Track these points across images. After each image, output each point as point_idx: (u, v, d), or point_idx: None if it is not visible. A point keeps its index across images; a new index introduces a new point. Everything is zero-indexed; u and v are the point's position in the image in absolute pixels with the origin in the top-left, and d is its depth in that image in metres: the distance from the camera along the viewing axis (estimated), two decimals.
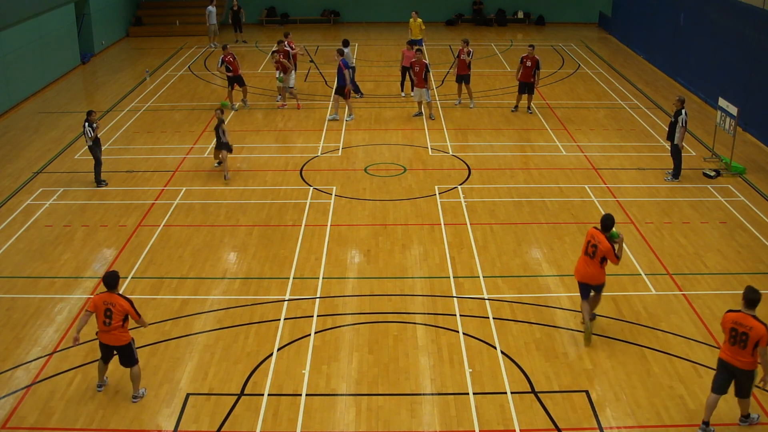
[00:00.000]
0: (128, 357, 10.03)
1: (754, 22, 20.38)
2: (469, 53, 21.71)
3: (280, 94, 22.77)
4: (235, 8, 30.86)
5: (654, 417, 9.83)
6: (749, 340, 9.01)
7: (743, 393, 9.42)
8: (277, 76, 22.36)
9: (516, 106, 22.08)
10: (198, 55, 29.56)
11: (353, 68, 22.72)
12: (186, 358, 11.03)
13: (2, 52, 22.37)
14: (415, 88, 21.29)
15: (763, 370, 9.13)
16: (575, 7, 35.84)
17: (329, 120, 21.36)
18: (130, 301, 9.89)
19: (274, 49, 22.70)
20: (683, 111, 16.86)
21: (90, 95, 24.87)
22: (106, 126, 21.01)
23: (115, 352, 10.07)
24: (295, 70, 23.07)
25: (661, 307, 12.25)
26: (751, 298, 9.20)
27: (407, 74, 22.57)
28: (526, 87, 21.58)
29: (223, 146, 17.25)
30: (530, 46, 21.64)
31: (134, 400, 10.12)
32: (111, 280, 9.90)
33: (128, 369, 10.11)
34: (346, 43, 22.37)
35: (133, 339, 10.08)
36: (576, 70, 27.11)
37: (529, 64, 21.21)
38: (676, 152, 17.10)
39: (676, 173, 17.19)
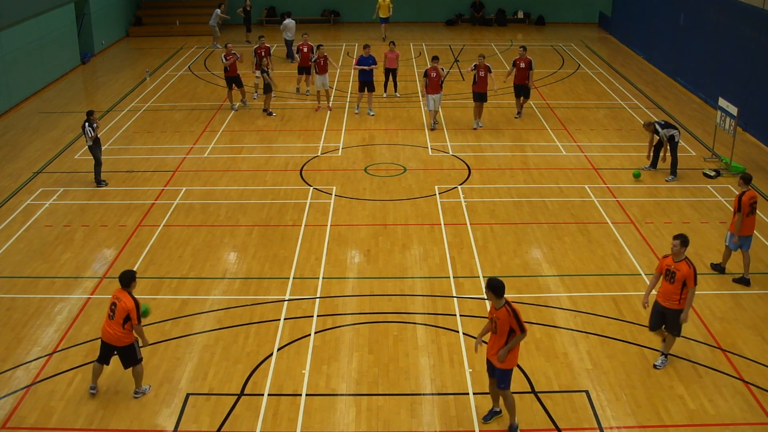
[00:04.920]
0: (130, 358, 10.03)
1: (754, 22, 20.38)
2: (488, 69, 20.18)
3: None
4: (248, 8, 30.80)
5: (654, 417, 9.83)
6: None
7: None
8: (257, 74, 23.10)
9: (519, 113, 21.59)
10: (198, 55, 29.56)
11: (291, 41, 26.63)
12: (186, 358, 11.03)
13: (2, 52, 22.37)
14: (429, 95, 20.24)
15: None
16: (575, 7, 35.84)
17: (371, 115, 21.86)
18: (136, 303, 9.85)
19: (256, 45, 23.05)
20: (656, 125, 17.23)
21: (90, 95, 24.87)
22: (106, 126, 21.01)
23: (115, 353, 10.05)
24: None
25: None
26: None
27: (390, 76, 23.18)
28: (522, 90, 21.18)
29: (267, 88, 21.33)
30: (521, 47, 21.06)
31: (136, 396, 10.15)
32: (124, 277, 9.96)
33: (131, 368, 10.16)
34: (288, 15, 26.79)
35: (136, 340, 10.01)
36: (576, 70, 27.11)
37: (522, 65, 20.79)
38: (672, 150, 17.23)
39: (674, 171, 17.30)
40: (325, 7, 35.95)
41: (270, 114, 21.80)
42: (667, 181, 17.19)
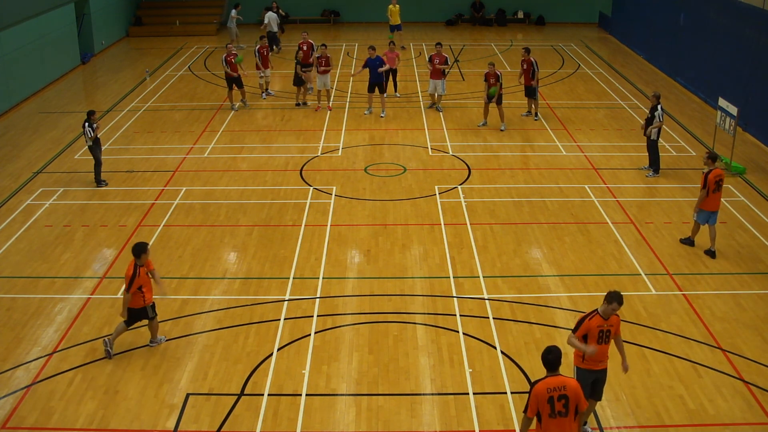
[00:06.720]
0: (142, 316, 11.09)
1: (754, 22, 20.38)
2: (497, 77, 20.00)
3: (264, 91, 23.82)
4: (275, 9, 30.73)
5: (654, 417, 9.84)
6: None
7: None
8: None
9: (528, 112, 21.66)
10: (198, 55, 29.56)
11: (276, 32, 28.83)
12: (186, 358, 11.03)
13: (2, 52, 22.37)
14: (431, 80, 21.62)
15: None
16: (575, 7, 35.84)
17: (382, 117, 21.69)
18: (134, 272, 10.73)
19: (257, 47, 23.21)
20: (659, 107, 17.15)
21: (90, 95, 24.88)
22: (106, 126, 21.01)
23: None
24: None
25: (661, 307, 12.26)
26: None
27: (390, 76, 23.14)
28: (527, 91, 21.32)
29: (299, 81, 22.16)
30: (524, 49, 21.14)
31: (151, 345, 11.25)
32: (134, 248, 10.85)
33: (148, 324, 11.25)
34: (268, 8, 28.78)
35: (153, 304, 11.11)
36: (576, 70, 27.11)
37: (525, 66, 20.88)
38: (653, 146, 17.34)
39: (656, 168, 17.41)
40: (325, 7, 35.95)
41: (301, 105, 22.70)
42: (647, 177, 17.26)
